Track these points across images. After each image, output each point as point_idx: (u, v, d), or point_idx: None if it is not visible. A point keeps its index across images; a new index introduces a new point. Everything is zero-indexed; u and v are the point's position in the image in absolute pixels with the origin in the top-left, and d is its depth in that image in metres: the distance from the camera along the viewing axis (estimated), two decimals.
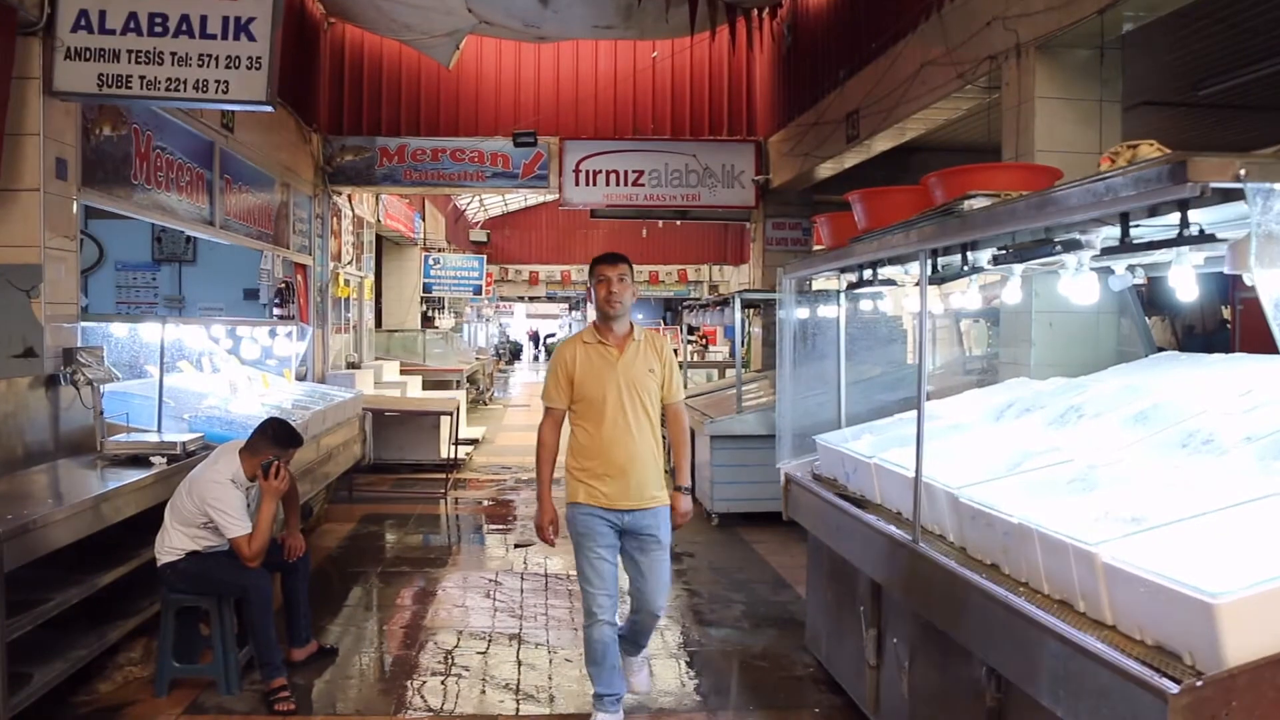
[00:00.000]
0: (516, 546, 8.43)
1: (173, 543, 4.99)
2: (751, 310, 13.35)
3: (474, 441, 14.53)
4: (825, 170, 10.87)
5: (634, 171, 12.73)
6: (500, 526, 9.37)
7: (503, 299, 38.54)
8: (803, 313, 6.03)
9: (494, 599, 6.87)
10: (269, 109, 6.16)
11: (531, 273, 32.18)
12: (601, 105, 13.00)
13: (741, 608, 6.70)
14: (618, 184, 12.71)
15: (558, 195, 13.02)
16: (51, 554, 4.35)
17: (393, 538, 8.82)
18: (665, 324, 36.60)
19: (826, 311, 5.80)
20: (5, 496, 4.73)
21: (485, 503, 10.52)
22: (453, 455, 11.78)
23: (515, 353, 46.33)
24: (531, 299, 39.81)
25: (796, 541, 7.85)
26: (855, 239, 4.75)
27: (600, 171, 12.70)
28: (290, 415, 7.07)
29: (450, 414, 11.48)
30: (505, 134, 12.68)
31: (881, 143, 9.21)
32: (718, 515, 9.10)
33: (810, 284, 6.16)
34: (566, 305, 48.65)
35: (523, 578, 7.44)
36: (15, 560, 4.01)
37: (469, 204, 26.15)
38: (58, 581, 4.72)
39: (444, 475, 11.68)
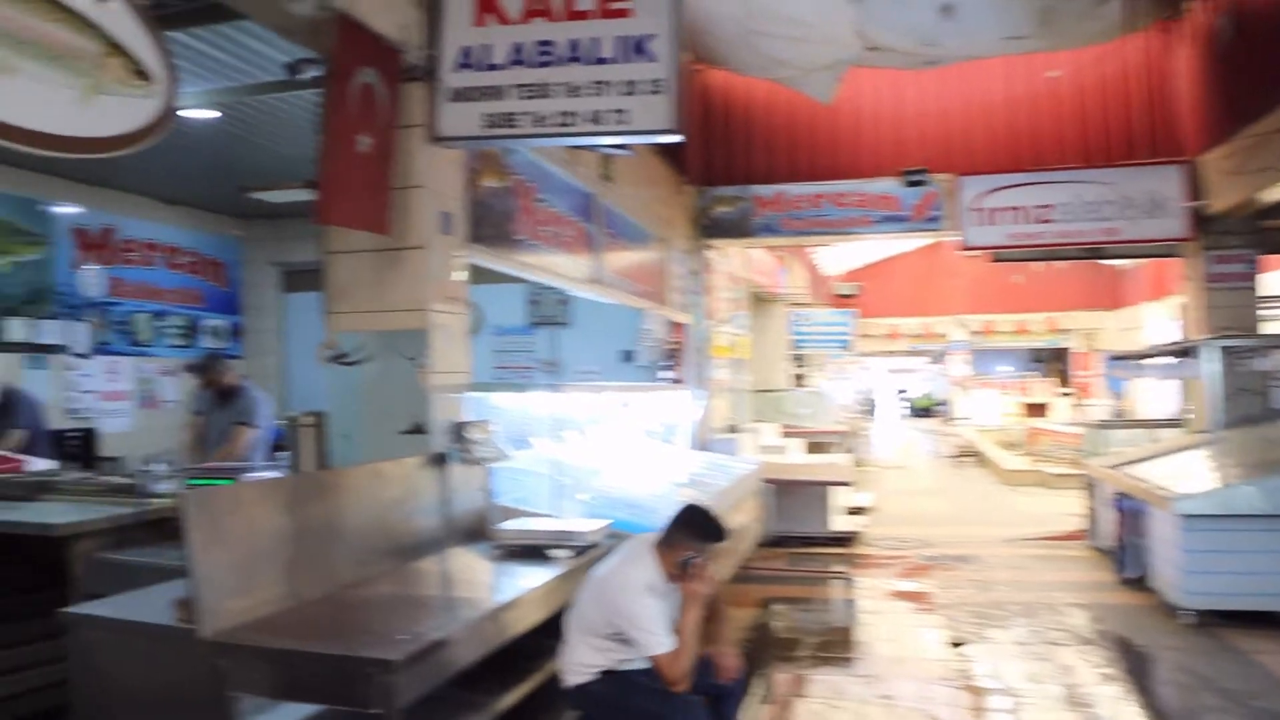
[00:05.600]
0: (954, 645, 7.11)
1: (581, 659, 4.12)
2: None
3: (862, 510, 13.30)
4: None
5: (1040, 206, 11.19)
6: (921, 616, 8.09)
7: (861, 354, 37.24)
8: None
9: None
10: (677, 137, 5.30)
11: (891, 327, 30.75)
12: (997, 135, 11.56)
13: None
14: (1023, 221, 11.20)
15: (955, 238, 11.66)
16: None
17: (799, 629, 7.68)
18: (1039, 375, 33.96)
19: None
20: (398, 601, 4.05)
21: (894, 584, 9.24)
22: (845, 527, 10.63)
23: (873, 410, 44.70)
24: (892, 353, 38.34)
25: None
26: None
27: (1002, 209, 11.24)
28: (696, 494, 6.19)
29: (850, 483, 10.36)
30: (890, 174, 11.50)
31: None
32: (1194, 612, 7.39)
33: None
34: (928, 359, 46.59)
35: (971, 691, 6.13)
36: (413, 693, 3.25)
37: (822, 258, 25.18)
38: (450, 702, 3.96)
39: (840, 550, 10.53)
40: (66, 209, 10.17)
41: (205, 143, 8.59)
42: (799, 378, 19.53)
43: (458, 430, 5.15)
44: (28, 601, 4.38)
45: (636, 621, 3.99)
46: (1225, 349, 9.57)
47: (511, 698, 4.24)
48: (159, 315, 11.26)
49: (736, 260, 13.88)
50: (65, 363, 10.01)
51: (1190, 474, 8.04)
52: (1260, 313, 10.97)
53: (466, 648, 3.67)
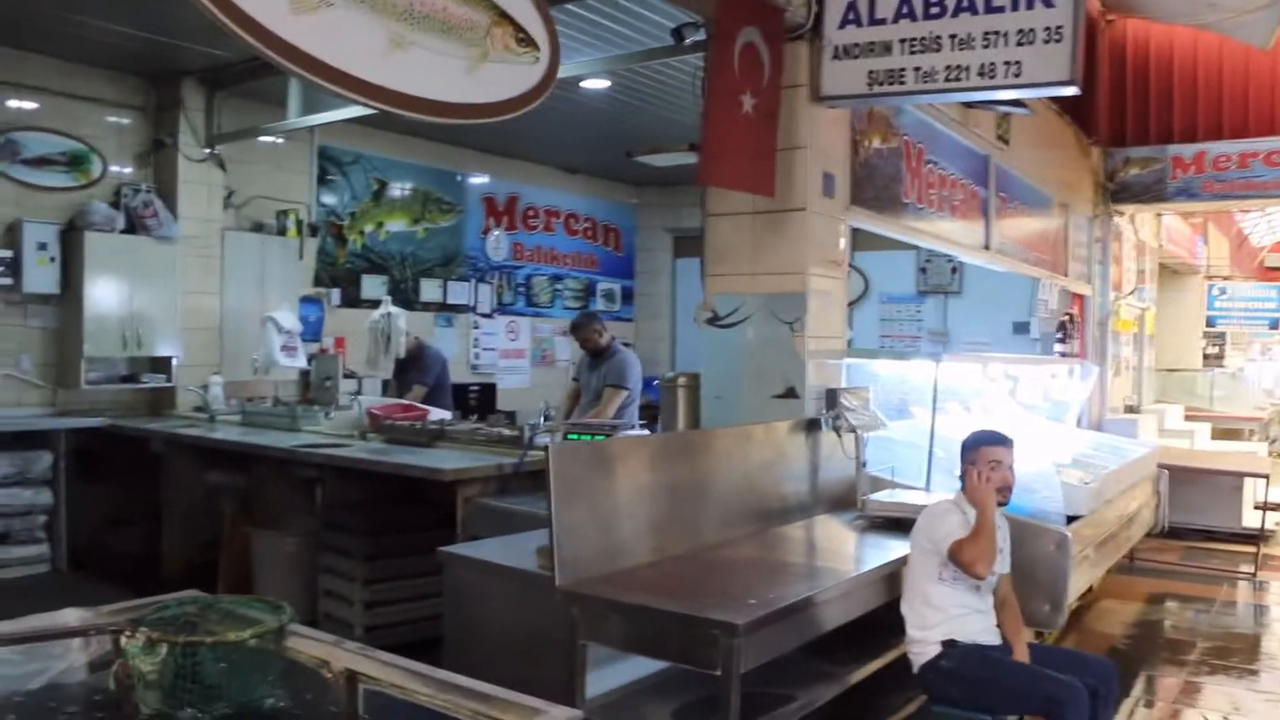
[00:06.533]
0: None
1: (924, 625, 3.94)
2: None
3: (1278, 506, 11.94)
4: None
5: None
6: None
7: None
8: None
9: None
10: (1073, 90, 4.89)
11: None
12: None
13: None
14: None
15: None
16: None
17: (1189, 631, 6.95)
18: None
19: None
20: (756, 565, 4.00)
21: None
22: (1261, 524, 9.55)
23: None
24: None
25: None
26: None
27: None
28: (1080, 475, 5.74)
29: (1265, 476, 9.31)
30: None
31: None
32: None
33: None
34: None
35: None
36: (758, 658, 3.20)
37: (1254, 225, 22.76)
38: (800, 670, 3.88)
39: (1247, 548, 9.50)
40: (477, 179, 10.91)
41: (598, 111, 8.92)
42: (1214, 357, 17.83)
43: (832, 396, 5.02)
44: (422, 539, 4.69)
45: (938, 529, 3.99)
46: None
47: (864, 671, 4.10)
48: (556, 279, 11.89)
49: (1146, 228, 12.83)
50: (470, 321, 10.77)
51: None
52: None
53: (818, 617, 3.58)
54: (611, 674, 3.65)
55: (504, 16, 3.97)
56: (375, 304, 8.15)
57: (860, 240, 8.50)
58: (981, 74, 4.98)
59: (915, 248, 7.86)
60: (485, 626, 3.83)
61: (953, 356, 6.32)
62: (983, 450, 4.16)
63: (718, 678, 3.13)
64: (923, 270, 11.38)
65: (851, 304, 10.23)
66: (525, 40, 4.05)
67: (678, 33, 5.68)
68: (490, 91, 3.97)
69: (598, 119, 9.18)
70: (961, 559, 3.91)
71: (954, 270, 11.06)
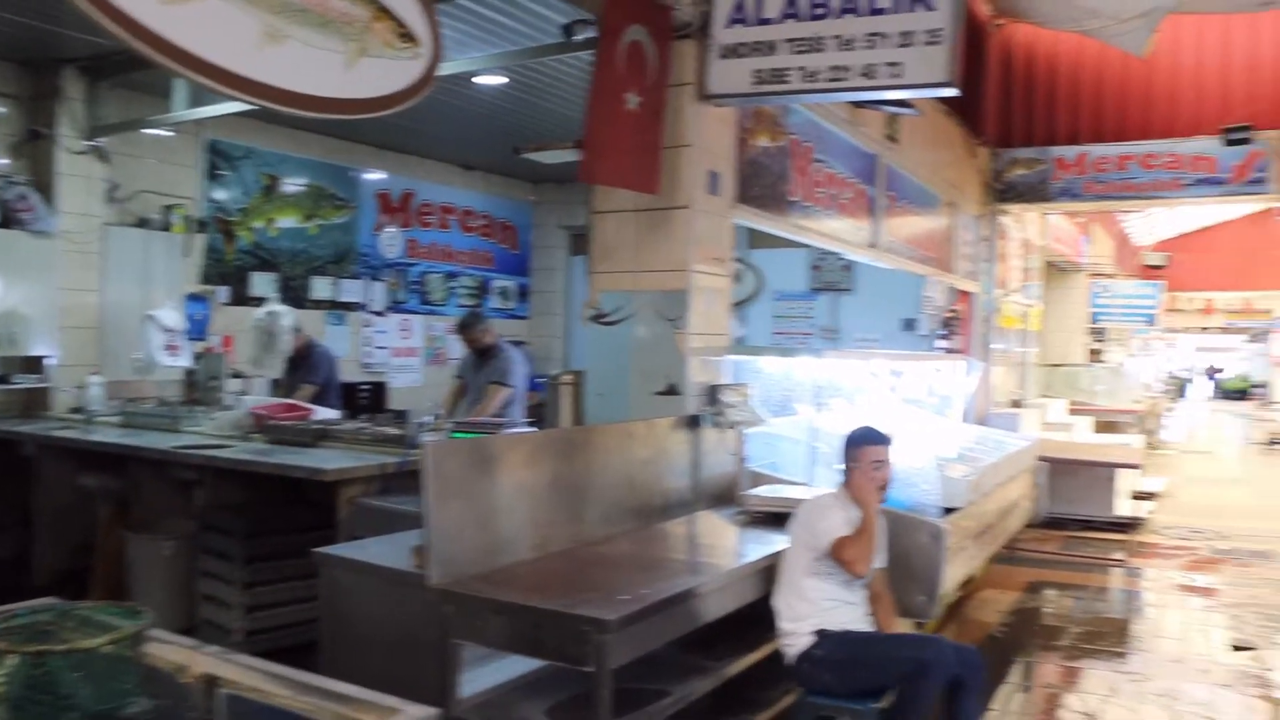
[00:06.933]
0: (1236, 649, 6.47)
1: (796, 617, 4.04)
2: None
3: (1152, 495, 12.35)
4: None
5: None
6: (1200, 614, 7.41)
7: (1169, 330, 34.73)
8: None
9: None
10: (952, 91, 5.00)
11: (1206, 301, 28.49)
12: None
13: None
14: None
15: None
16: None
17: (1065, 618, 7.18)
18: None
19: None
20: (634, 561, 4.04)
21: (1179, 577, 8.52)
22: (1130, 512, 9.88)
23: (1181, 390, 41.53)
24: (1204, 330, 35.54)
25: None
26: None
27: None
28: (962, 468, 5.87)
29: (1137, 466, 9.62)
30: (1209, 132, 10.42)
31: None
32: None
33: None
34: (1246, 337, 42.92)
35: (1243, 699, 5.52)
36: (629, 654, 3.24)
37: (1135, 225, 23.50)
38: (674, 664, 3.92)
39: (1121, 537, 9.82)
40: (372, 175, 10.77)
41: (494, 108, 8.86)
42: (1097, 353, 18.35)
43: (713, 393, 5.06)
44: (304, 541, 4.62)
45: (818, 525, 4.10)
46: None
47: (740, 665, 4.15)
48: (451, 276, 11.79)
49: (1033, 227, 13.15)
50: (362, 320, 10.63)
51: None
52: None
53: (692, 611, 3.62)
54: (488, 673, 3.64)
55: (384, 11, 3.93)
56: (265, 302, 7.99)
57: (755, 238, 8.61)
58: (864, 74, 5.06)
59: (807, 245, 7.94)
60: (361, 628, 3.79)
61: (839, 352, 6.43)
62: (866, 449, 4.26)
63: (590, 674, 3.14)
64: (816, 268, 11.49)
65: (746, 301, 10.34)
66: (406, 35, 4.01)
67: (568, 29, 5.68)
68: (369, 87, 3.92)
69: (494, 115, 9.12)
70: (843, 557, 4.01)
71: (845, 268, 11.18)
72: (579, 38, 5.62)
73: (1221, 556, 9.27)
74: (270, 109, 3.61)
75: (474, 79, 7.77)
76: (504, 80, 8.03)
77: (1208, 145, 10.47)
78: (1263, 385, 29.35)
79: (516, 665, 3.71)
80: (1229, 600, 7.68)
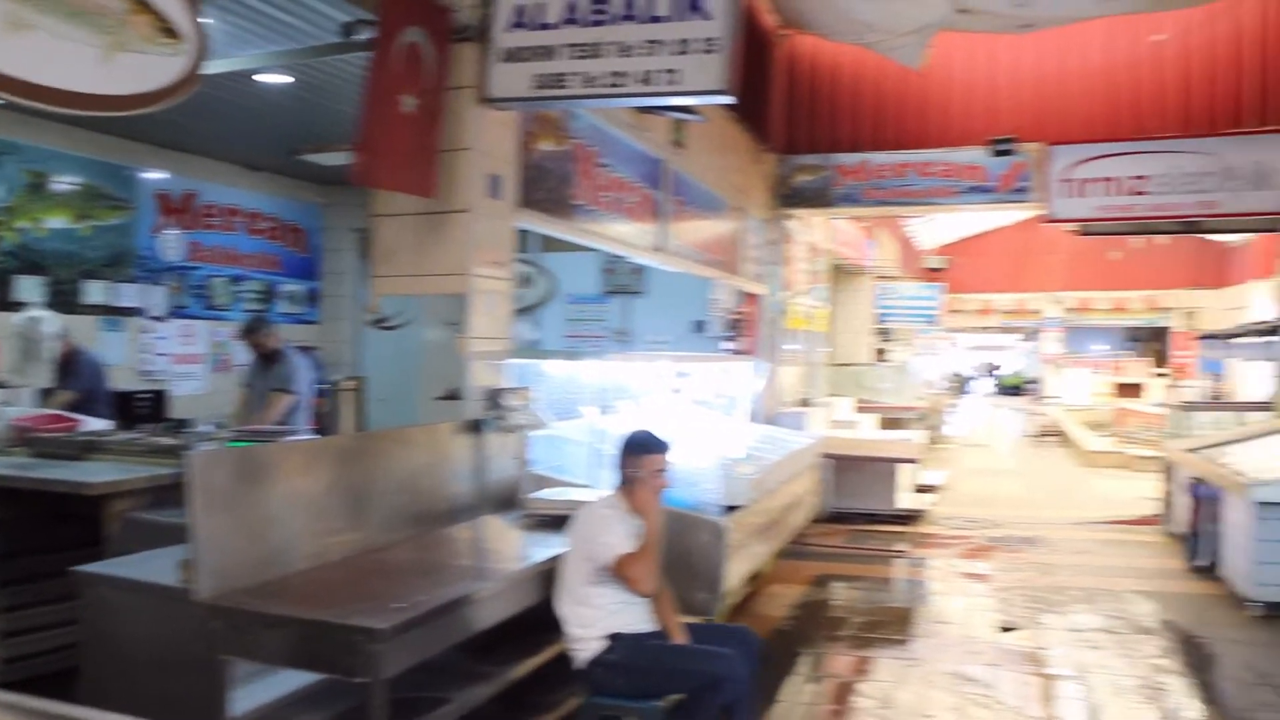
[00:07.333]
0: (1004, 630, 6.87)
1: (582, 621, 4.04)
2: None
3: (933, 488, 12.97)
4: None
5: (1134, 178, 10.65)
6: (975, 599, 7.83)
7: (951, 330, 36.46)
8: None
9: (983, 705, 5.42)
10: (728, 99, 5.12)
11: (984, 302, 30.04)
12: (1094, 103, 10.98)
13: None
14: (1114, 193, 10.69)
15: (1041, 210, 11.15)
16: None
17: (851, 609, 7.45)
18: (1135, 355, 32.81)
19: None
20: (414, 567, 4.00)
21: (954, 566, 8.97)
22: (912, 505, 10.35)
23: (963, 386, 43.64)
24: (983, 329, 37.45)
25: None
26: None
27: (1093, 180, 10.73)
28: (747, 467, 6.02)
29: (916, 461, 10.07)
30: (979, 143, 11.04)
31: None
32: (1262, 604, 7.05)
33: None
34: (1021, 336, 45.43)
35: (1016, 676, 5.89)
36: (404, 663, 3.19)
37: (916, 230, 24.62)
38: (455, 671, 3.90)
39: (903, 529, 10.28)
40: (151, 174, 10.31)
41: (279, 107, 8.59)
42: (883, 353, 19.11)
43: (494, 397, 5.06)
44: (68, 560, 4.39)
45: (599, 538, 4.04)
46: None
47: (523, 669, 4.16)
48: (236, 280, 11.39)
49: (819, 231, 13.54)
50: (141, 325, 10.17)
51: (1272, 460, 7.63)
52: None
53: (469, 617, 3.60)
54: (263, 688, 3.53)
55: (143, 4, 3.77)
56: (27, 307, 7.55)
57: (547, 242, 8.62)
58: (642, 81, 5.12)
59: (598, 249, 8.00)
60: (126, 649, 3.62)
61: (625, 354, 6.51)
62: (646, 458, 4.21)
63: (365, 685, 3.10)
64: (608, 271, 11.56)
65: (538, 305, 10.35)
66: (168, 30, 3.87)
67: (348, 29, 5.57)
68: (127, 83, 3.75)
69: (278, 115, 8.84)
70: (627, 574, 3.98)
71: (636, 271, 11.30)
72: (358, 37, 5.52)
73: (993, 544, 9.80)
74: (14, 103, 3.41)
75: (255, 77, 7.53)
76: (288, 79, 7.81)
77: (978, 155, 11.06)
78: (1035, 381, 31.07)
79: (294, 679, 3.60)
80: (1000, 585, 8.12)
